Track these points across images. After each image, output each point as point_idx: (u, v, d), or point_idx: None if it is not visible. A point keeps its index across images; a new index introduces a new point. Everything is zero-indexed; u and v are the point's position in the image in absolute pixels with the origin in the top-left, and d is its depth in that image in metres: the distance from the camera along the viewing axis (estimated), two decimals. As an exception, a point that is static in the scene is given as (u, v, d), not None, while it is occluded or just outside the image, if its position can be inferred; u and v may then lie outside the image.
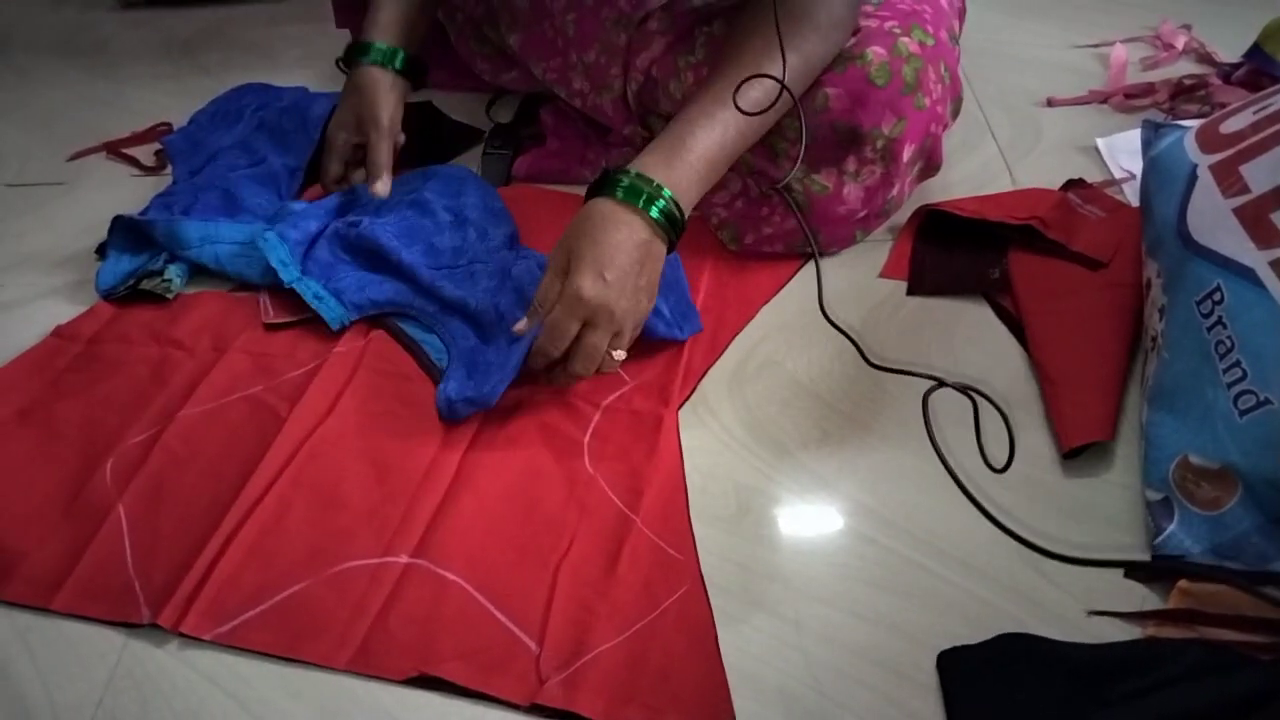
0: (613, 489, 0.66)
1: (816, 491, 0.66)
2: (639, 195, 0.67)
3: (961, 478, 0.64)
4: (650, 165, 0.69)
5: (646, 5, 0.82)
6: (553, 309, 0.67)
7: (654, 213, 0.67)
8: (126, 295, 0.84)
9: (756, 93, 0.70)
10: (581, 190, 0.94)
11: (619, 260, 0.66)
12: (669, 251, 0.70)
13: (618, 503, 0.65)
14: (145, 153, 1.08)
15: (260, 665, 0.57)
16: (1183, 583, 0.57)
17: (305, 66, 1.24)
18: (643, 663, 0.55)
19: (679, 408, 0.72)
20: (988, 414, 0.66)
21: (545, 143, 0.97)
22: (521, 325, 0.69)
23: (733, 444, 0.69)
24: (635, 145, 0.92)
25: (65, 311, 0.84)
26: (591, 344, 0.67)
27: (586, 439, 0.69)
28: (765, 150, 0.79)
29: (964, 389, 0.65)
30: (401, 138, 0.88)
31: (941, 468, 0.65)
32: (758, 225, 0.83)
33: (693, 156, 0.70)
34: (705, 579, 0.60)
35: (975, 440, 0.64)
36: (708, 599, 0.59)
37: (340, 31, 1.20)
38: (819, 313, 0.78)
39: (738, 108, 0.69)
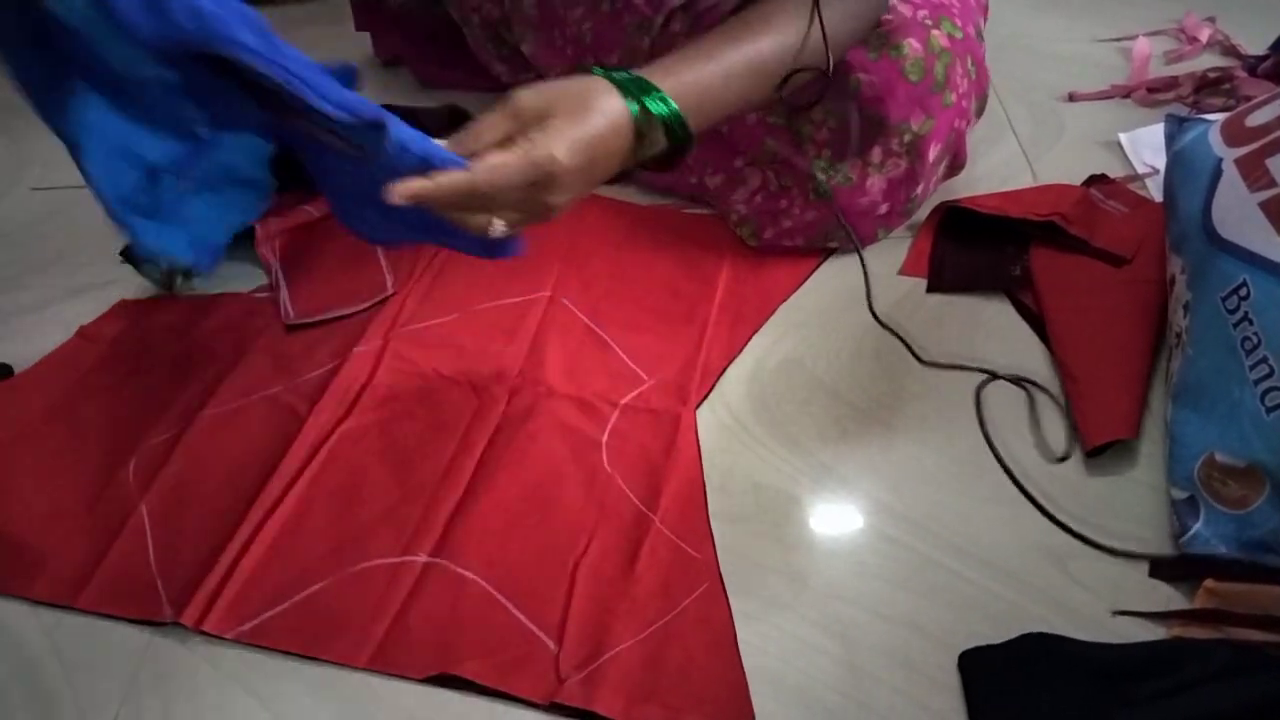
0: (631, 488, 0.66)
1: (836, 490, 0.65)
2: (633, 91, 0.59)
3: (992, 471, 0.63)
4: (659, 73, 0.61)
5: (666, 6, 0.81)
6: (491, 149, 0.55)
7: (648, 111, 0.59)
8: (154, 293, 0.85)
9: (777, 40, 0.67)
10: (599, 189, 0.95)
11: (598, 153, 0.57)
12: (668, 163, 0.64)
13: (636, 502, 0.65)
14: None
15: (281, 663, 0.58)
16: (1209, 582, 0.56)
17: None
18: (662, 662, 0.55)
19: (697, 406, 0.72)
20: (1033, 404, 0.66)
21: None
22: (444, 143, 0.55)
23: (751, 442, 0.69)
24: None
25: (89, 312, 0.84)
26: (538, 201, 0.56)
27: (605, 438, 0.69)
28: (790, 137, 0.78)
29: (1017, 380, 0.65)
30: None
31: (963, 464, 0.65)
32: (777, 219, 0.83)
33: (699, 75, 0.63)
34: (724, 578, 0.60)
35: (1028, 432, 0.65)
36: (727, 598, 0.59)
37: (360, 35, 1.21)
38: (837, 310, 0.77)
39: (777, 94, 0.67)
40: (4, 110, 1.19)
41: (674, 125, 0.61)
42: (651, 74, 0.61)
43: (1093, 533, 0.61)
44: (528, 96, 0.57)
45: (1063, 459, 0.62)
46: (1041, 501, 0.62)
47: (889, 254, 0.83)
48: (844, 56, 0.73)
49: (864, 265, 0.78)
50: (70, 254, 0.94)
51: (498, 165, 0.55)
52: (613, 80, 0.59)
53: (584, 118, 0.57)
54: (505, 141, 0.56)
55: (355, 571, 0.62)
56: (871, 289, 0.78)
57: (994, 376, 0.66)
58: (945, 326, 0.76)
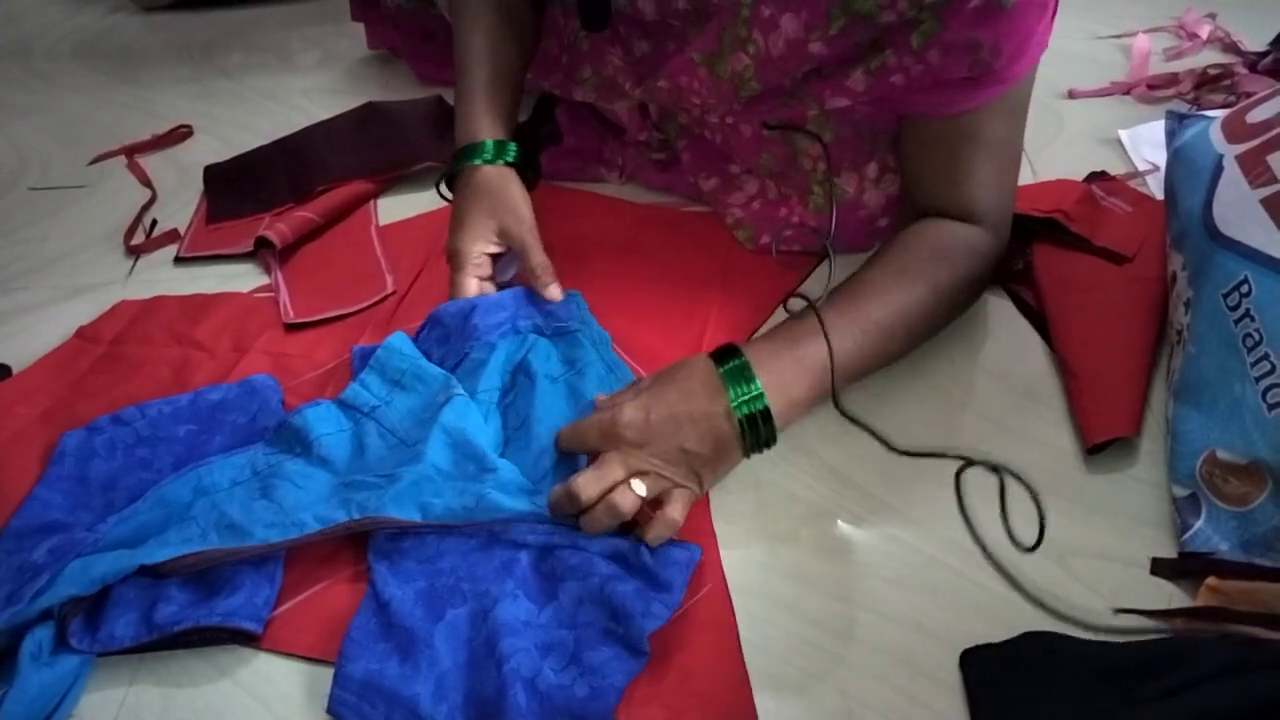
0: (632, 487, 0.65)
1: (837, 489, 0.65)
2: (738, 382, 0.60)
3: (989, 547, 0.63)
4: (760, 365, 0.61)
5: (668, 14, 0.81)
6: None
7: (740, 405, 0.59)
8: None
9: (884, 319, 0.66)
10: (599, 188, 0.95)
11: (676, 409, 0.59)
12: (743, 452, 0.61)
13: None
14: (161, 161, 1.09)
15: (282, 664, 0.58)
16: (1211, 580, 0.56)
17: (324, 68, 1.24)
18: (664, 662, 0.55)
19: (698, 405, 0.71)
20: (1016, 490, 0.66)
21: (561, 141, 0.97)
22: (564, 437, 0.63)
23: (752, 441, 0.69)
24: (651, 147, 0.92)
25: (87, 312, 0.84)
26: (604, 462, 0.58)
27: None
28: (786, 151, 0.78)
29: (993, 468, 0.64)
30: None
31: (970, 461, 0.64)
32: (775, 226, 0.82)
33: (805, 382, 0.62)
34: (726, 578, 0.60)
35: (1002, 519, 0.62)
36: (729, 598, 0.59)
37: (357, 28, 1.21)
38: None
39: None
40: (3, 111, 1.19)
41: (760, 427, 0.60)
42: (767, 375, 0.61)
43: (1094, 530, 0.61)
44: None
45: (1032, 549, 0.60)
46: (1015, 577, 0.61)
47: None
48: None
49: (831, 363, 0.64)
50: (69, 254, 0.94)
51: (573, 426, 0.62)
52: (723, 365, 0.61)
53: (666, 382, 0.62)
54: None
55: (356, 572, 0.61)
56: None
57: (970, 463, 0.64)
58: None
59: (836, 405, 0.67)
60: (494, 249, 0.74)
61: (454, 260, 0.74)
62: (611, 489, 0.58)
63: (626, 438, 0.59)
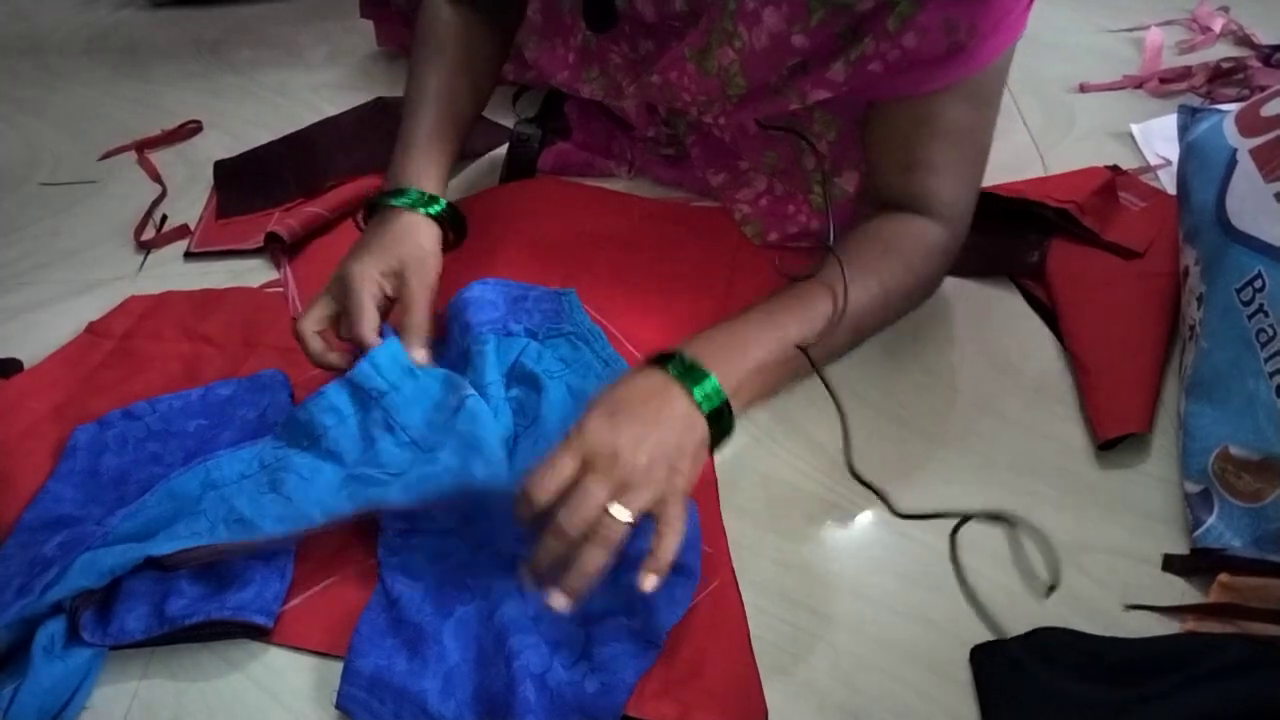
0: (641, 482, 0.65)
1: (846, 484, 0.65)
2: (687, 375, 0.58)
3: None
4: (705, 356, 0.60)
5: (669, 12, 0.80)
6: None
7: (699, 394, 0.57)
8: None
9: (824, 310, 0.65)
10: (607, 183, 0.95)
11: (638, 410, 0.56)
12: (709, 446, 0.59)
13: (646, 496, 0.64)
14: (171, 156, 1.09)
15: (294, 658, 0.58)
16: (1223, 576, 0.56)
17: (333, 64, 1.24)
18: (674, 658, 0.55)
19: (707, 400, 0.71)
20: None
21: (570, 136, 0.97)
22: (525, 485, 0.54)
23: (761, 436, 0.69)
24: (660, 143, 0.92)
25: (98, 308, 0.85)
26: (584, 488, 0.52)
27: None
28: (790, 150, 0.78)
29: (994, 517, 0.62)
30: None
31: (979, 452, 0.64)
32: (783, 224, 0.82)
33: (750, 364, 0.62)
34: (736, 573, 0.60)
35: (1013, 573, 0.59)
36: (739, 593, 0.59)
37: (366, 24, 1.21)
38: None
39: (801, 349, 0.64)
40: (14, 107, 1.20)
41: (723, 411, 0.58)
42: (710, 362, 0.59)
43: (1105, 526, 0.60)
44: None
45: (1046, 595, 0.57)
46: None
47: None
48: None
49: (845, 428, 0.66)
50: (80, 250, 0.95)
51: (542, 463, 0.54)
52: (668, 366, 0.59)
53: (620, 387, 0.58)
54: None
55: (367, 566, 0.62)
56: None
57: (966, 519, 0.61)
58: (956, 317, 0.76)
59: (851, 471, 0.65)
60: (382, 285, 0.68)
61: (345, 283, 0.67)
62: (596, 518, 0.52)
63: (596, 448, 0.54)
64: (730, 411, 0.58)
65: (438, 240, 0.72)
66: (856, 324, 0.67)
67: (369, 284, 0.67)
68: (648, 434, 0.54)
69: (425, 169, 0.74)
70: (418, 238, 0.70)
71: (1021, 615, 0.56)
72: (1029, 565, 0.59)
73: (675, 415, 0.56)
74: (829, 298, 0.66)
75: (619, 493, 0.53)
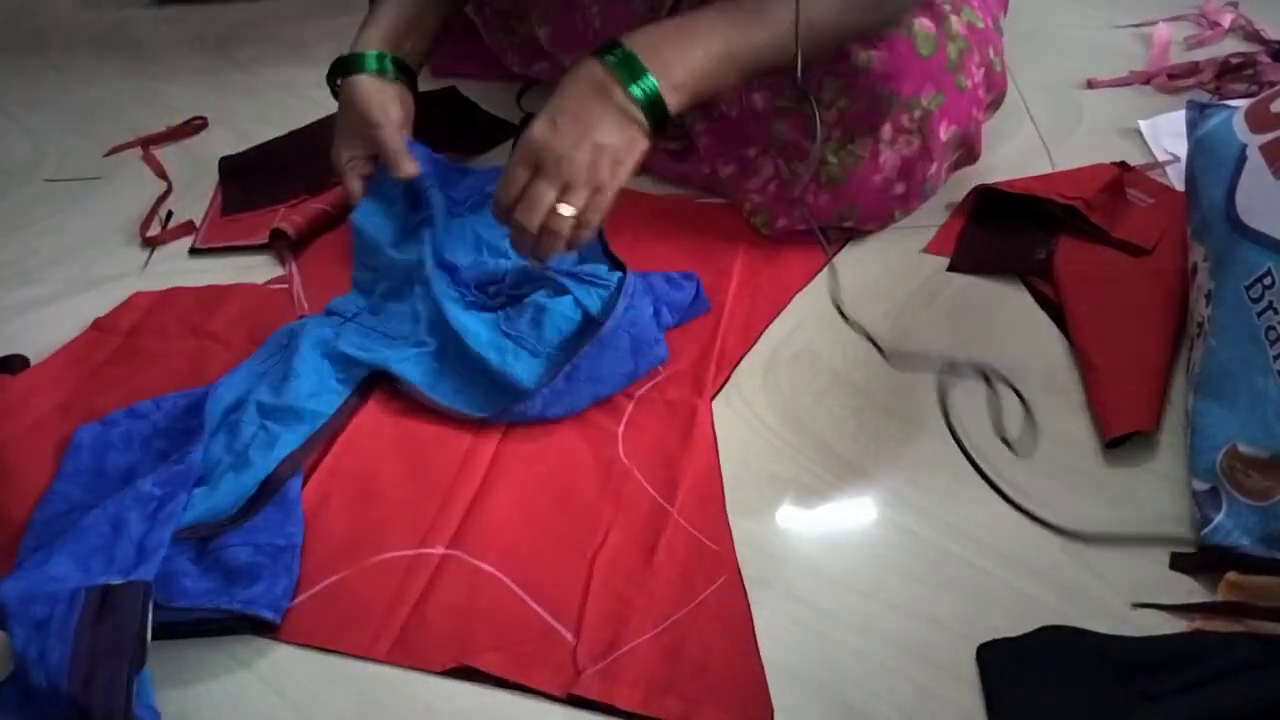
0: (648, 480, 0.65)
1: (852, 482, 0.65)
2: (626, 71, 0.66)
3: (992, 468, 0.63)
4: (647, 49, 0.67)
5: None
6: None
7: (635, 91, 0.66)
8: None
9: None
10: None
11: (577, 112, 0.66)
12: (648, 136, 0.68)
13: (653, 494, 0.64)
14: (176, 153, 1.09)
15: (299, 655, 0.58)
16: (1231, 575, 0.55)
17: (337, 59, 1.24)
18: (679, 655, 0.55)
19: (713, 397, 0.71)
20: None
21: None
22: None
23: (767, 434, 0.69)
24: (667, 136, 0.92)
25: (103, 304, 0.85)
26: (534, 192, 0.66)
27: (621, 429, 0.69)
28: (799, 120, 0.78)
29: (978, 369, 0.63)
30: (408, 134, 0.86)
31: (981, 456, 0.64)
32: (790, 208, 0.82)
33: (696, 59, 0.68)
34: (741, 570, 0.60)
35: (990, 423, 0.62)
36: (745, 591, 0.59)
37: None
38: (852, 300, 0.77)
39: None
40: (19, 104, 1.20)
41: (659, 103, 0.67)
42: (649, 55, 0.67)
43: (1112, 524, 0.60)
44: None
45: (1019, 450, 0.60)
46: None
47: (908, 241, 0.82)
48: (845, 45, 0.74)
49: (831, 260, 0.75)
50: (85, 246, 0.95)
51: (503, 174, 0.68)
52: (608, 58, 0.67)
53: (564, 92, 0.67)
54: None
55: (373, 563, 0.62)
56: (891, 272, 0.78)
57: (953, 366, 0.64)
58: (962, 314, 0.76)
59: (839, 311, 0.72)
60: (362, 153, 0.85)
61: (335, 171, 0.86)
62: (547, 215, 0.66)
63: (541, 154, 0.65)
64: (665, 104, 0.67)
65: (390, 92, 0.84)
66: (817, 22, 0.69)
67: (347, 169, 0.85)
68: (587, 135, 0.65)
69: (380, 38, 0.85)
70: (369, 99, 0.83)
71: (1029, 614, 0.56)
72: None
73: (612, 113, 0.66)
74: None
75: (564, 193, 0.66)
